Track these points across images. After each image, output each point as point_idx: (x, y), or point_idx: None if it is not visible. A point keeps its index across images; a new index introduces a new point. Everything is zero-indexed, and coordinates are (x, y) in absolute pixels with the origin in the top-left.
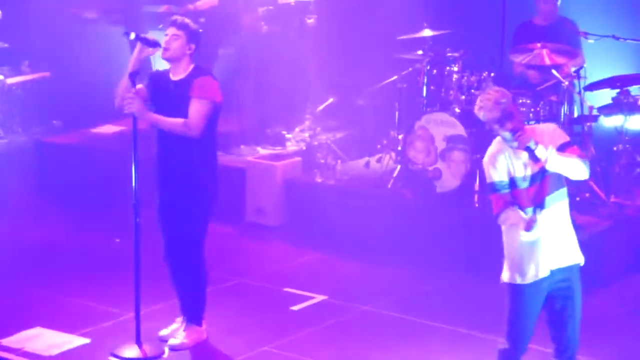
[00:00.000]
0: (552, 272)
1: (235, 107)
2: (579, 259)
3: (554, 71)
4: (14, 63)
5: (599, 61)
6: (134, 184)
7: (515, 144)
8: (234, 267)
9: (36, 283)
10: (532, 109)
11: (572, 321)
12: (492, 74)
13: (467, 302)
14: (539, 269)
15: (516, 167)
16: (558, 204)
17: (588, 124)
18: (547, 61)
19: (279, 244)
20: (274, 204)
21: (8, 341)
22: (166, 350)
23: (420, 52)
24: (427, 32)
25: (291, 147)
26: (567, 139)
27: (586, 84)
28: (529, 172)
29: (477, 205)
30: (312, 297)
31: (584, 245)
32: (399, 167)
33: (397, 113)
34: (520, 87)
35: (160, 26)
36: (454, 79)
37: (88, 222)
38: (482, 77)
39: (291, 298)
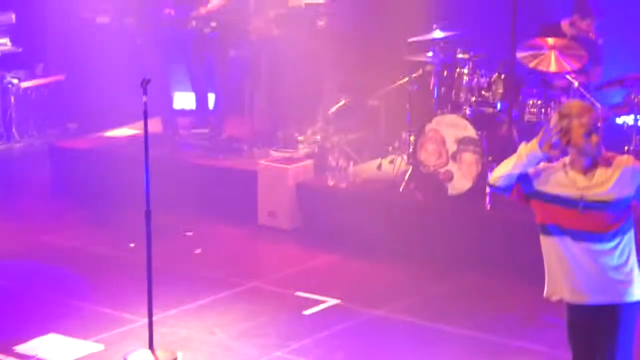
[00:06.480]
0: None
1: (247, 110)
2: None
3: (568, 77)
4: (29, 67)
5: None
6: (145, 190)
7: None
8: (246, 270)
9: (49, 288)
10: (543, 110)
11: None
12: (503, 76)
13: (479, 306)
14: None
15: None
16: None
17: (599, 124)
18: (554, 67)
19: (291, 247)
20: (286, 207)
21: (21, 348)
22: (179, 355)
23: (430, 53)
24: (437, 34)
25: (303, 149)
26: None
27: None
28: None
29: (488, 207)
30: (325, 301)
31: None
32: (410, 169)
33: (408, 115)
34: (531, 87)
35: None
36: (464, 81)
37: (102, 226)
38: (493, 79)
39: (303, 302)
